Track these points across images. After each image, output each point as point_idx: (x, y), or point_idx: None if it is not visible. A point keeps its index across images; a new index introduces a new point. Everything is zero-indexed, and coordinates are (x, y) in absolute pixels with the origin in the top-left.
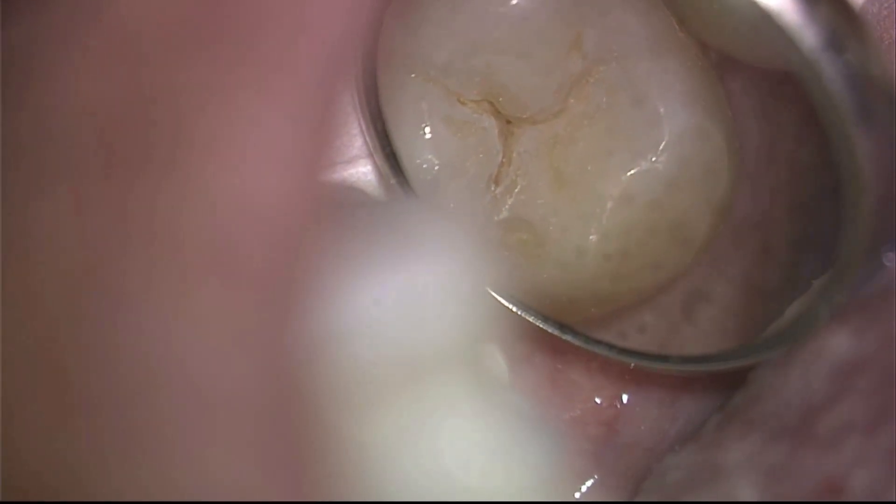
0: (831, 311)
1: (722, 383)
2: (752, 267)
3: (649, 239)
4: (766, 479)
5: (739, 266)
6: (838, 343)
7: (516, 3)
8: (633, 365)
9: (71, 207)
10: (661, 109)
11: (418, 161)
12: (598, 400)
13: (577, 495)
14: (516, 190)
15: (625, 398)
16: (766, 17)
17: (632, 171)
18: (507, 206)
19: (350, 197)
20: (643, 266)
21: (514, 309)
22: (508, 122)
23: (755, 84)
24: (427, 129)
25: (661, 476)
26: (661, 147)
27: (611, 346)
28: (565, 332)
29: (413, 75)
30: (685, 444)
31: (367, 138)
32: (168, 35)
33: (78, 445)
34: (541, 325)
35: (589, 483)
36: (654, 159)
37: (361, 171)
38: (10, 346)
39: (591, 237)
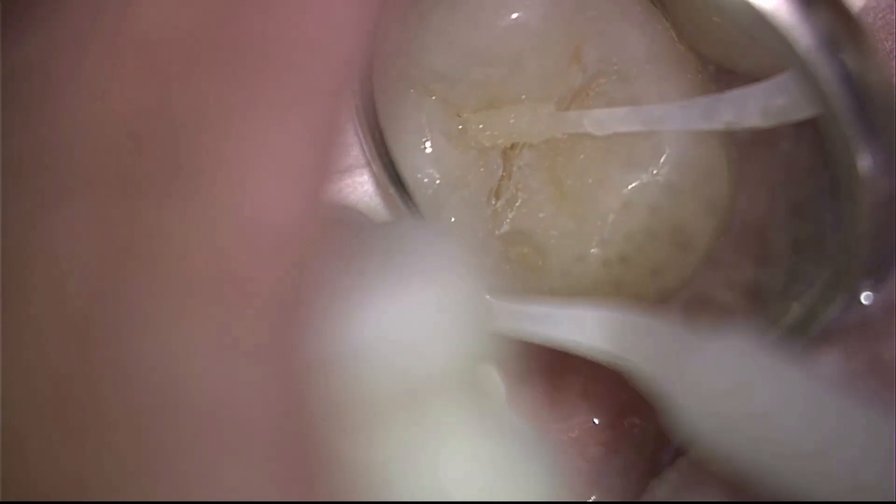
0: (832, 312)
1: None
2: (752, 270)
3: (649, 244)
4: (735, 490)
5: (740, 270)
6: (828, 363)
7: (516, 17)
8: None
9: (85, 223)
10: (660, 144)
11: (419, 175)
12: (596, 421)
13: None
14: (517, 203)
15: (623, 419)
16: (762, 19)
17: (633, 185)
18: (508, 220)
19: (349, 218)
20: (644, 272)
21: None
22: None
23: None
24: (427, 144)
25: (652, 492)
26: (662, 160)
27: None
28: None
29: (412, 90)
30: (675, 461)
31: (365, 148)
32: (182, 51)
33: (87, 461)
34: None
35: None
36: (654, 172)
37: (358, 180)
38: (22, 358)
39: (592, 250)
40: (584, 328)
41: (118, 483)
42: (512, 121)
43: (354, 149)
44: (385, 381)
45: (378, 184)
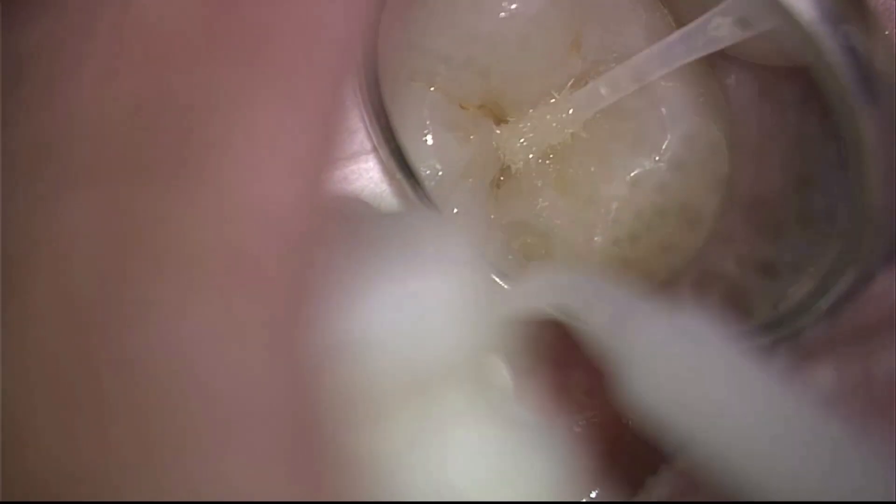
0: (843, 286)
1: None
2: (762, 245)
3: (658, 222)
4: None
5: (749, 245)
6: (820, 380)
7: (515, 7)
8: None
9: (89, 212)
10: (663, 109)
11: (422, 167)
12: (600, 416)
13: None
14: (520, 194)
15: (627, 416)
16: None
17: (635, 172)
18: (510, 210)
19: (354, 208)
20: (654, 249)
21: None
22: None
23: (751, 77)
24: (429, 136)
25: (649, 491)
26: (664, 146)
27: None
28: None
29: (414, 82)
30: (674, 460)
31: (372, 133)
32: (185, 37)
33: (91, 452)
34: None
35: (591, 496)
36: (657, 159)
37: (364, 167)
38: (25, 350)
39: (596, 237)
40: (534, 296)
41: (121, 475)
42: (525, 129)
43: (360, 135)
44: (392, 371)
45: (385, 170)
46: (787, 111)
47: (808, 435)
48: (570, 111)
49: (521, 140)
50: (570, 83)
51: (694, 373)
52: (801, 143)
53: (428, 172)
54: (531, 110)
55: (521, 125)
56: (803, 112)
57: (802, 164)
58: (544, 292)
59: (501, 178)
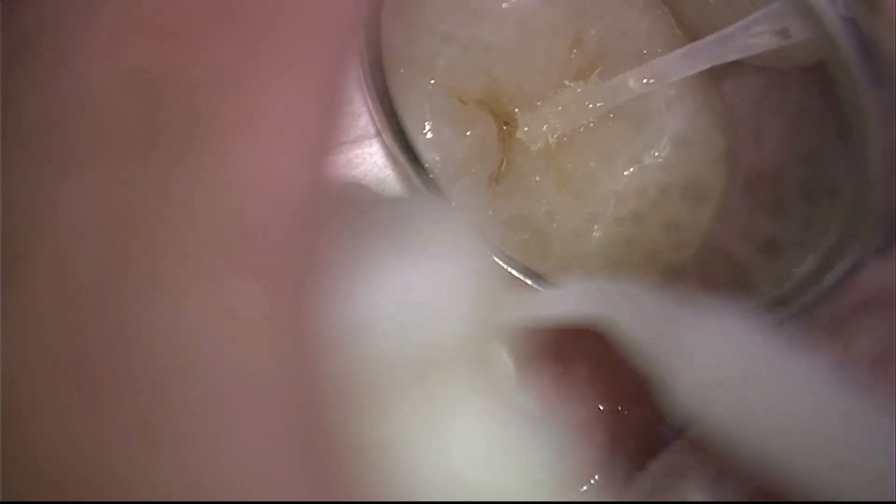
0: (847, 262)
1: None
2: (766, 221)
3: (661, 200)
4: (712, 482)
5: (753, 222)
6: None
7: (517, 2)
8: None
9: (93, 190)
10: (662, 105)
11: (421, 160)
12: (601, 407)
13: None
14: (518, 189)
15: (627, 406)
16: None
17: (638, 151)
18: (509, 205)
19: (358, 193)
20: (657, 228)
21: (527, 280)
22: (506, 123)
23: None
24: (428, 130)
25: (642, 481)
26: (666, 125)
27: None
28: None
29: (415, 75)
30: (663, 451)
31: (375, 116)
32: (190, 13)
33: (93, 440)
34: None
35: (591, 482)
36: (656, 154)
37: (367, 151)
38: (26, 334)
39: (599, 216)
40: (573, 303)
41: (121, 463)
42: (550, 113)
43: (364, 119)
44: (395, 357)
45: (388, 154)
46: (790, 86)
47: (859, 430)
48: (599, 104)
49: (544, 126)
50: (571, 77)
51: (743, 375)
52: (804, 118)
53: (427, 166)
54: (555, 95)
55: (547, 111)
56: (807, 85)
57: (805, 139)
58: (584, 300)
59: (499, 174)
